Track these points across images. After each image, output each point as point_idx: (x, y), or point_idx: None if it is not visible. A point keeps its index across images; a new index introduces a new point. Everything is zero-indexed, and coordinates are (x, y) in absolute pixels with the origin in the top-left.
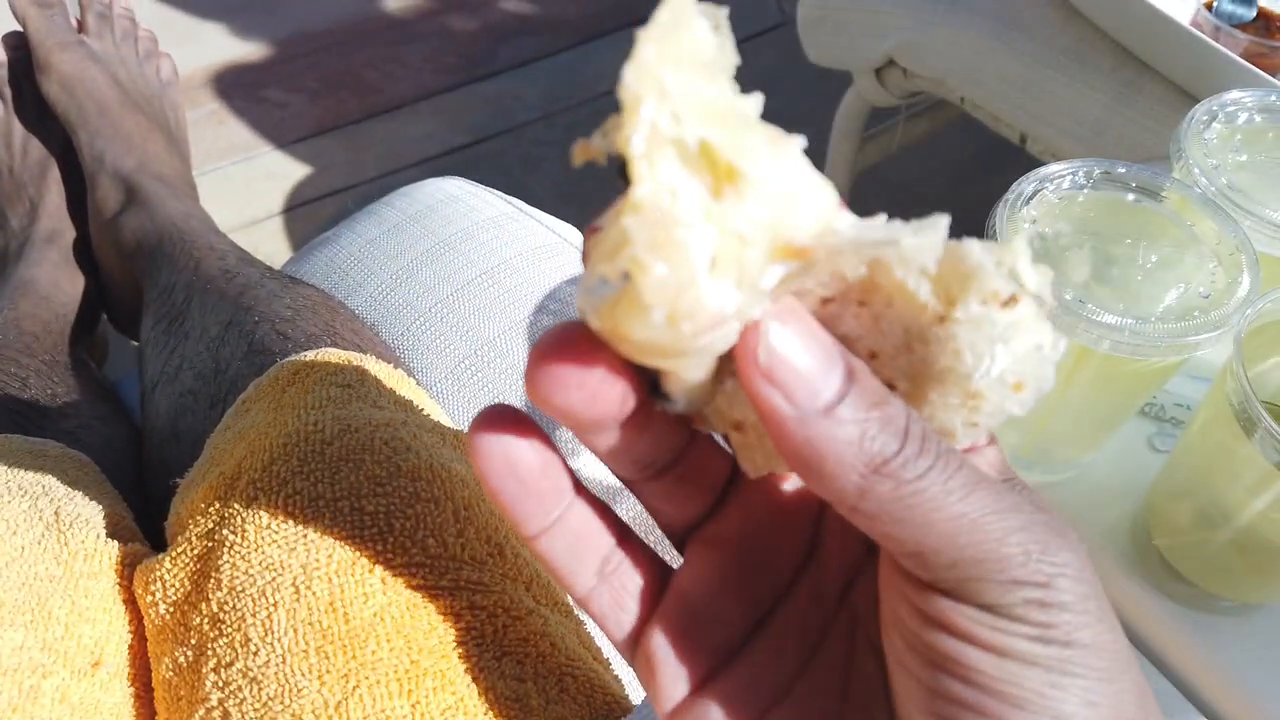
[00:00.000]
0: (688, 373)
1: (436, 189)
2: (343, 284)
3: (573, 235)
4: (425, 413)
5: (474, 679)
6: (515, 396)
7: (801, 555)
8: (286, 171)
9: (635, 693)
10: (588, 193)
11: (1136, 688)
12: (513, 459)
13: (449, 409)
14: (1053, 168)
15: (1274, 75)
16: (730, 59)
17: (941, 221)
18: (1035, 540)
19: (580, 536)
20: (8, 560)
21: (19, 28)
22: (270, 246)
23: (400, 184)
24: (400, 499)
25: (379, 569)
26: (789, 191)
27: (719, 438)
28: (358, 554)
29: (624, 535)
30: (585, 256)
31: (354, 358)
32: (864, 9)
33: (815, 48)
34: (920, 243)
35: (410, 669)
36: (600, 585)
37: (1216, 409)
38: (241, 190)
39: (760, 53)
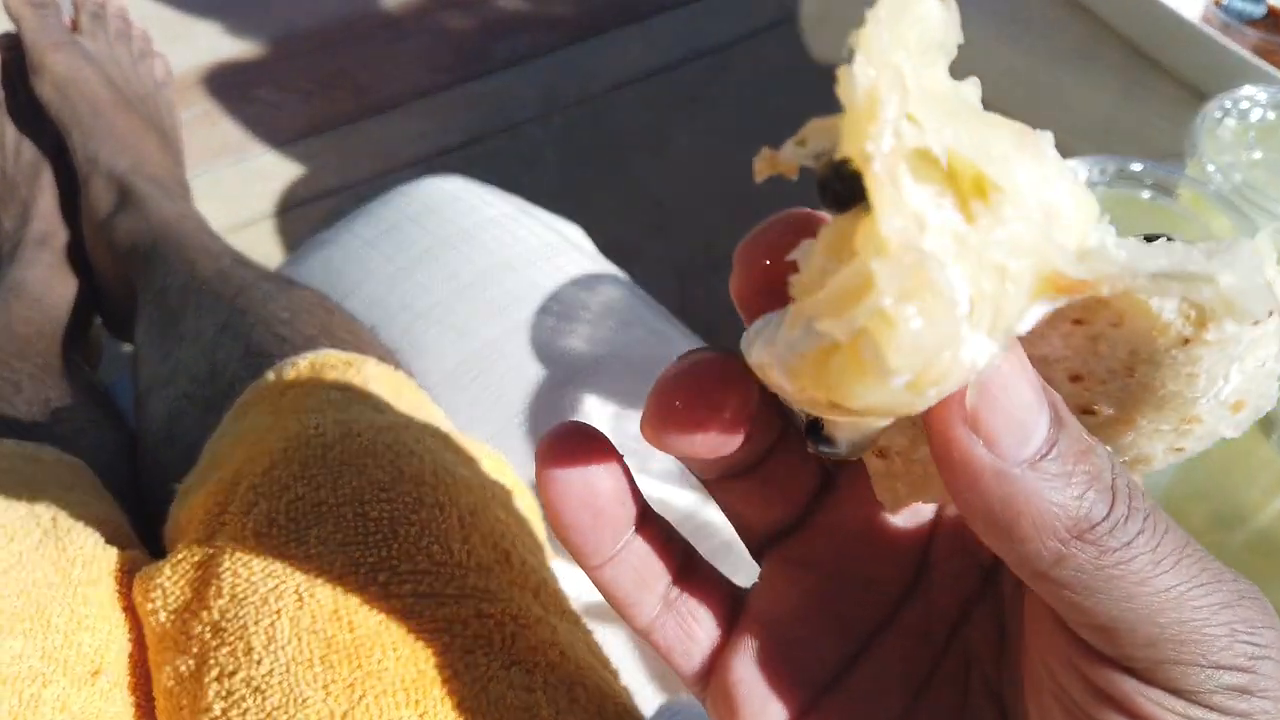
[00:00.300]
0: (879, 423)
1: (435, 188)
2: (340, 285)
3: (575, 235)
4: (427, 415)
5: (482, 688)
6: (517, 399)
7: (905, 584)
8: (280, 172)
9: (645, 704)
10: (586, 192)
11: None
12: (593, 490)
13: (449, 411)
14: (1068, 164)
15: None
16: (955, 39)
17: (1245, 247)
18: (1241, 619)
19: (645, 561)
20: (5, 567)
21: (12, 28)
22: (264, 248)
23: (396, 184)
24: (404, 505)
25: (383, 576)
26: (1049, 205)
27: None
28: (362, 560)
29: (689, 558)
30: (747, 293)
31: (354, 359)
32: (870, 4)
33: (818, 44)
34: (1242, 283)
35: (417, 679)
36: (665, 614)
37: None
38: (234, 191)
39: (762, 50)
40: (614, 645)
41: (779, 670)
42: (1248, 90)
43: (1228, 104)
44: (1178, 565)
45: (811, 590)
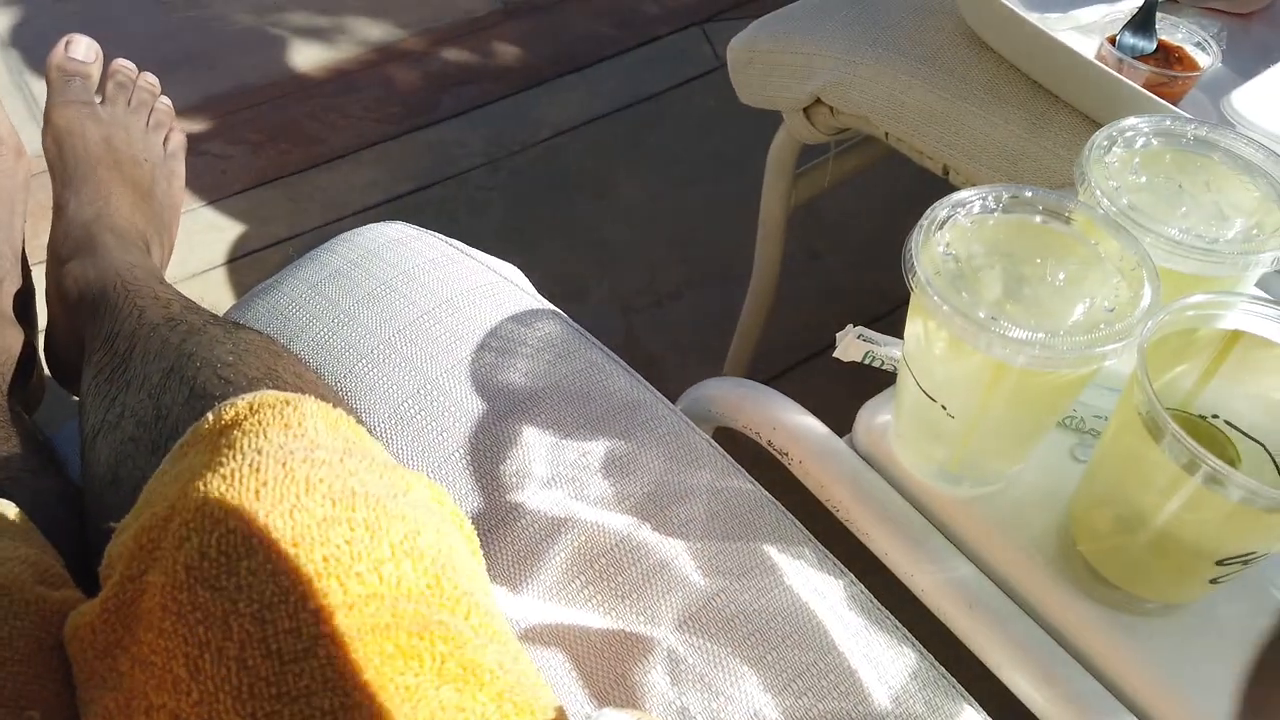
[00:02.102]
0: None
1: (377, 234)
2: (286, 329)
3: (513, 274)
4: (363, 449)
5: (413, 709)
6: (459, 432)
7: None
8: (229, 222)
9: (573, 718)
10: (532, 236)
11: None
12: None
13: (393, 447)
14: (964, 194)
15: (1174, 103)
16: None
17: None
18: None
19: None
20: None
21: None
22: (214, 297)
23: (344, 231)
24: (337, 535)
25: (313, 604)
26: None
27: None
28: (292, 590)
29: None
30: None
31: (292, 399)
32: (790, 51)
33: (745, 89)
34: None
35: (344, 702)
36: None
37: (1126, 417)
38: (184, 242)
39: (697, 96)
40: (552, 666)
41: None
42: (1131, 121)
43: (1114, 133)
44: None
45: None
